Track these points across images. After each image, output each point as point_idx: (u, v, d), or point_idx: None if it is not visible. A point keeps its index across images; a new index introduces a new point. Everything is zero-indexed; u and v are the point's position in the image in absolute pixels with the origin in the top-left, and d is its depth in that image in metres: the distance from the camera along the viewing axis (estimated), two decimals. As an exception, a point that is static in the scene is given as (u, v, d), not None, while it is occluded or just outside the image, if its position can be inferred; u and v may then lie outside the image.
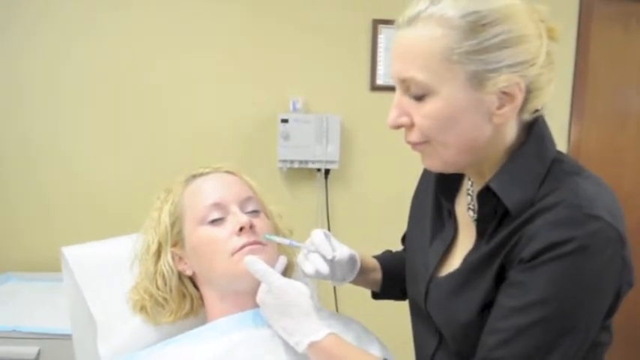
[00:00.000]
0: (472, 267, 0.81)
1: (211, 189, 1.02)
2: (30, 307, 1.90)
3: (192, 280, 1.04)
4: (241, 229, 0.97)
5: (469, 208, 0.88)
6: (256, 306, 0.99)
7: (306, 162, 2.21)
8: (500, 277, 0.77)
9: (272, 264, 1.01)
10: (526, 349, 0.72)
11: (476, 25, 0.70)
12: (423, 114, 0.74)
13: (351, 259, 1.01)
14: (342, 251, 0.97)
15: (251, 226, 0.98)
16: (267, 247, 0.99)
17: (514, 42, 0.71)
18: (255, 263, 0.92)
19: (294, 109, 2.21)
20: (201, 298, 1.04)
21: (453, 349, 0.85)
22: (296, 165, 2.21)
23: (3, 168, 2.19)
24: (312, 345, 0.85)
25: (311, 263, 0.95)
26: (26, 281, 2.12)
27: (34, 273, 2.13)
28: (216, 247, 0.97)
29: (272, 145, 2.19)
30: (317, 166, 2.22)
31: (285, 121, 2.17)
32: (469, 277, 0.81)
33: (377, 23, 2.24)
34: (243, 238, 0.97)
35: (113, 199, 2.20)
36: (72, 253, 1.10)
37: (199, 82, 2.21)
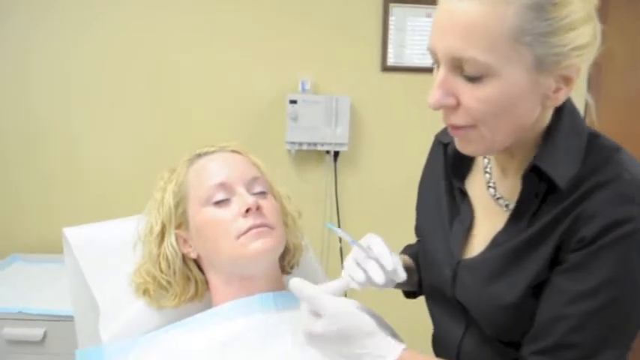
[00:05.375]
0: (515, 248, 0.76)
1: (217, 168, 0.98)
2: (36, 288, 1.89)
3: (197, 263, 1.01)
4: (247, 210, 0.93)
5: (489, 187, 0.84)
6: (263, 290, 0.96)
7: (315, 144, 2.17)
8: (554, 258, 0.74)
9: (279, 249, 0.97)
10: (601, 331, 0.70)
11: (548, 5, 0.65)
12: (478, 97, 0.68)
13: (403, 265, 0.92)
14: (399, 261, 0.87)
15: (258, 208, 0.94)
16: (274, 231, 0.96)
17: (579, 23, 0.66)
18: (303, 288, 0.76)
19: (303, 90, 2.16)
20: (206, 281, 1.01)
21: (487, 333, 0.81)
22: (304, 147, 2.17)
23: (9, 150, 2.17)
24: None
25: (363, 270, 0.83)
26: (32, 263, 2.11)
27: (41, 255, 2.11)
28: (221, 229, 0.93)
29: (280, 126, 2.15)
30: (326, 148, 2.18)
31: (293, 102, 2.12)
32: (513, 259, 0.77)
33: (388, 2, 2.18)
34: (250, 220, 0.93)
35: (120, 181, 2.17)
36: (74, 234, 1.07)
37: (207, 64, 2.16)
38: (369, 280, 0.82)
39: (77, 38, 2.11)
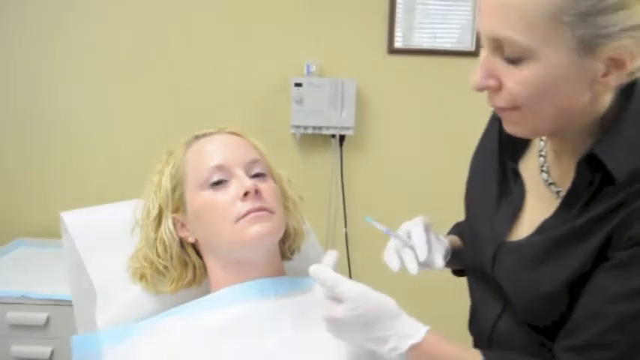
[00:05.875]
0: (561, 237, 0.74)
1: (214, 150, 0.96)
2: (40, 273, 1.89)
3: (195, 247, 0.99)
4: (246, 194, 0.90)
5: (542, 171, 0.81)
6: (262, 276, 0.94)
7: (320, 128, 2.13)
8: (599, 253, 0.71)
9: (279, 233, 0.95)
10: (638, 335, 0.68)
11: None
12: (518, 80, 0.67)
13: (445, 252, 0.94)
14: (439, 249, 0.90)
15: (256, 191, 0.91)
16: (273, 215, 0.93)
17: (632, 1, 0.62)
18: (322, 272, 0.76)
19: (308, 73, 2.12)
20: (204, 266, 0.99)
21: (518, 316, 0.81)
22: (310, 131, 2.14)
23: (12, 132, 2.16)
24: (412, 348, 0.73)
25: (399, 259, 0.87)
26: (36, 247, 2.10)
27: (45, 239, 2.10)
28: (219, 213, 0.91)
29: (285, 109, 2.11)
30: (331, 132, 2.14)
31: (298, 85, 2.08)
32: (556, 247, 0.75)
33: (396, -18, 2.13)
34: (248, 204, 0.90)
35: (123, 165, 2.16)
36: (71, 217, 1.06)
37: (211, 46, 2.13)
38: (404, 269, 0.85)
39: (78, 18, 2.09)
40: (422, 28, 2.19)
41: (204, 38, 2.13)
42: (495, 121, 0.90)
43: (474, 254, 0.91)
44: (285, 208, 1.04)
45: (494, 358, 0.77)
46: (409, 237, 0.89)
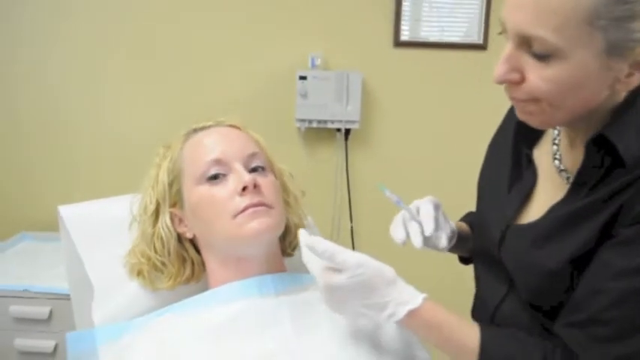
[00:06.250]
0: (566, 217, 0.76)
1: (212, 144, 0.93)
2: (43, 267, 1.88)
3: (193, 243, 0.97)
4: (244, 188, 0.88)
5: (555, 158, 0.83)
6: (261, 272, 0.92)
7: (325, 122, 2.11)
8: (604, 231, 0.72)
9: (278, 229, 0.93)
10: (638, 312, 0.69)
11: None
12: (543, 76, 0.67)
13: (451, 234, 0.96)
14: (445, 229, 0.93)
15: (255, 186, 0.89)
16: (273, 210, 0.90)
17: None
18: (319, 244, 0.76)
19: (313, 66, 2.09)
20: (202, 262, 0.97)
21: (522, 297, 0.82)
22: (314, 124, 2.11)
23: (18, 126, 2.15)
24: (410, 314, 0.75)
25: (404, 230, 0.89)
26: (41, 241, 2.10)
27: (50, 233, 2.09)
28: (217, 208, 0.89)
29: (289, 103, 2.09)
30: (337, 125, 2.12)
31: (303, 78, 2.06)
32: (562, 227, 0.76)
33: (403, -27, 2.10)
34: (246, 199, 0.88)
35: (130, 159, 2.14)
36: (69, 212, 1.04)
37: (214, 38, 2.11)
38: (408, 241, 0.88)
39: (85, 8, 2.08)
40: (429, 21, 2.16)
41: (209, 31, 2.11)
42: (513, 110, 0.90)
43: (481, 237, 0.94)
44: (286, 203, 1.01)
45: (491, 331, 0.78)
46: (418, 212, 0.91)
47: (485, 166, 0.98)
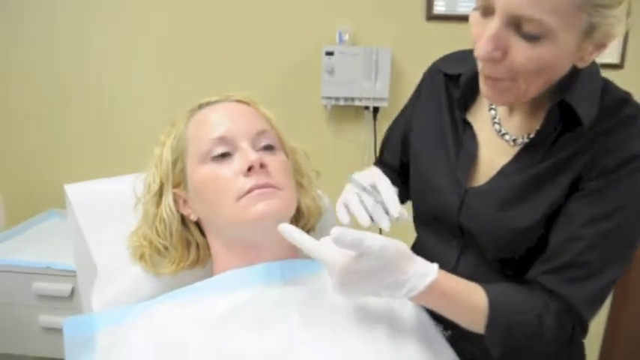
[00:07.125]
0: (533, 177, 0.81)
1: (218, 120, 0.87)
2: (68, 244, 1.87)
3: (199, 226, 0.91)
4: (250, 168, 0.82)
5: (495, 122, 0.88)
6: (269, 259, 0.85)
7: (353, 99, 2.03)
8: (571, 189, 0.79)
9: (287, 212, 0.86)
10: (609, 250, 0.77)
11: None
12: (530, 56, 0.70)
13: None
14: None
15: (262, 165, 0.83)
16: (281, 192, 0.84)
17: None
18: (345, 234, 0.70)
19: (341, 41, 2.01)
20: (209, 246, 0.91)
21: (489, 255, 0.87)
22: (341, 102, 2.03)
23: (48, 104, 2.15)
24: (430, 285, 0.74)
25: (367, 214, 0.88)
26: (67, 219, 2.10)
27: (76, 210, 2.10)
28: (221, 188, 0.83)
29: (315, 80, 2.01)
30: (364, 103, 2.03)
31: (330, 53, 1.98)
32: (530, 187, 0.82)
33: (437, -59, 1.98)
34: (252, 180, 0.82)
35: (151, 135, 2.12)
36: (75, 190, 1.01)
37: (238, 13, 2.05)
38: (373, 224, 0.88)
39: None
40: (466, -7, 2.04)
41: (232, 5, 2.04)
42: (439, 75, 0.97)
43: (431, 204, 0.94)
44: (299, 184, 0.95)
45: (493, 287, 0.80)
46: (376, 191, 0.91)
47: (418, 135, 0.99)
